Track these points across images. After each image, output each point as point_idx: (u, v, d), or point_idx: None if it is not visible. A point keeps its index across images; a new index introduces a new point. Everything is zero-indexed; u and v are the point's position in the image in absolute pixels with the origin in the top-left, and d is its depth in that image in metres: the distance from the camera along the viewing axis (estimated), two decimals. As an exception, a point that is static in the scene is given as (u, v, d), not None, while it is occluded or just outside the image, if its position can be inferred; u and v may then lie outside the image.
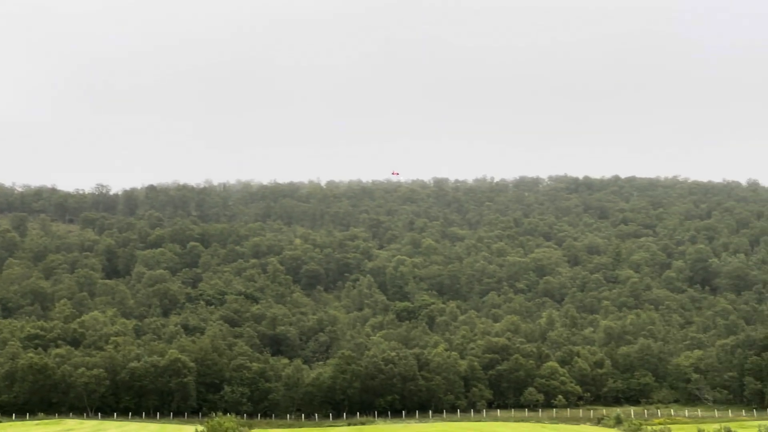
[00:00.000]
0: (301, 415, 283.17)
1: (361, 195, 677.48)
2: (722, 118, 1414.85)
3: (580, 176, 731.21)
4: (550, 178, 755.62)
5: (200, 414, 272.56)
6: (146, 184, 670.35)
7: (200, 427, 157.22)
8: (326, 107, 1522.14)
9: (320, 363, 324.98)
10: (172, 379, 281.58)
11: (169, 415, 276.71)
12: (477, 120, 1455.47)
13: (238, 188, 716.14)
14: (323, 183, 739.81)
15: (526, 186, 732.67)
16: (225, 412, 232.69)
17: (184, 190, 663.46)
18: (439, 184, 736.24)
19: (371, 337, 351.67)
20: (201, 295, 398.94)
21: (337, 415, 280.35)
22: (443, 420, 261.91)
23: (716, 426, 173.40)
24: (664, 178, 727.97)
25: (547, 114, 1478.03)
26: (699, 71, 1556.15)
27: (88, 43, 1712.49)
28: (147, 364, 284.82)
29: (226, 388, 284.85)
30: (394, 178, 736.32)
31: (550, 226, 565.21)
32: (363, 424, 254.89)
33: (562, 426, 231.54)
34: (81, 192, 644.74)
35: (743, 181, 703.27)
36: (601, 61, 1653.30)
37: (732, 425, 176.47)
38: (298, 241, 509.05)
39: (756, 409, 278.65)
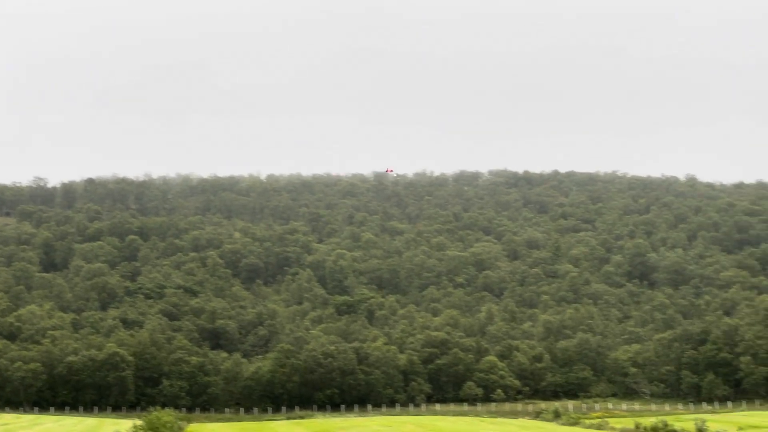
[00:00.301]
0: (240, 409, 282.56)
1: (300, 189, 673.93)
2: (661, 115, 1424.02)
3: (520, 171, 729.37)
4: (490, 172, 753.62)
5: (138, 408, 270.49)
6: (85, 177, 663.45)
7: (138, 421, 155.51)
8: (276, 105, 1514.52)
9: (259, 357, 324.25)
10: (110, 373, 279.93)
11: (107, 409, 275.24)
12: (417, 114, 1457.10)
13: (178, 182, 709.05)
14: (263, 177, 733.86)
15: (465, 180, 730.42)
16: (163, 406, 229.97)
17: (123, 183, 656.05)
18: (379, 178, 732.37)
19: (310, 331, 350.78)
20: (140, 288, 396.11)
21: (276, 409, 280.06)
22: (382, 414, 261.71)
23: (653, 419, 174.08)
24: (603, 173, 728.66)
25: (487, 109, 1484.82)
26: (636, 70, 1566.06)
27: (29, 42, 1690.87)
28: (84, 358, 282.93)
29: (165, 382, 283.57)
30: (334, 172, 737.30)
31: (489, 220, 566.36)
32: (302, 417, 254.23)
33: (500, 420, 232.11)
34: (18, 185, 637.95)
35: (681, 177, 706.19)
36: (542, 61, 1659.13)
37: (669, 419, 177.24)
38: (237, 234, 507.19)
39: (692, 402, 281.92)
